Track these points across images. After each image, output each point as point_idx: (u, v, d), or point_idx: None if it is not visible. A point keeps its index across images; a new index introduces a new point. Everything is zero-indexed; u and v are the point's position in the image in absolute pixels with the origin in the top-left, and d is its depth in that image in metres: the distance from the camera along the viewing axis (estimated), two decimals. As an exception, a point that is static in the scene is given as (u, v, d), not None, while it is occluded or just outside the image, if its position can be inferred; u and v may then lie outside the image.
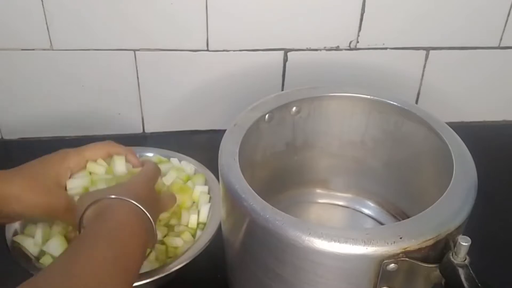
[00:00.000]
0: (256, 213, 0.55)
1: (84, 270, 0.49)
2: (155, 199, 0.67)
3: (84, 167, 0.73)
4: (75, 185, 0.71)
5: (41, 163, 0.68)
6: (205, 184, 0.83)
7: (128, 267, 0.54)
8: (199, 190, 0.81)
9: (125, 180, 0.69)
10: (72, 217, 0.63)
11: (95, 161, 0.74)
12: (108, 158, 0.76)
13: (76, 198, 0.68)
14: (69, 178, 0.72)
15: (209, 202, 0.80)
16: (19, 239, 0.72)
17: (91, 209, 0.60)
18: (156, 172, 0.73)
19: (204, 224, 0.78)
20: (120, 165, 0.75)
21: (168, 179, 0.81)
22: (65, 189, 0.70)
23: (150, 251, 0.64)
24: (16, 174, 0.65)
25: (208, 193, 0.82)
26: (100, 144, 0.75)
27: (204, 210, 0.79)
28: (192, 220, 0.77)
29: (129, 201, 0.60)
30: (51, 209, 0.66)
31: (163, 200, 0.72)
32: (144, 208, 0.60)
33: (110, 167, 0.75)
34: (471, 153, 0.64)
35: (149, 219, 0.60)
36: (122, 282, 0.52)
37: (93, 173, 0.74)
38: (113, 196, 0.60)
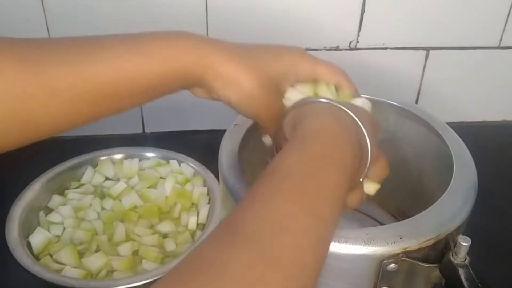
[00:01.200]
0: (256, 213, 0.54)
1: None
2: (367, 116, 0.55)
3: (310, 82, 0.58)
4: (294, 97, 0.57)
5: (274, 56, 0.58)
6: (204, 185, 0.83)
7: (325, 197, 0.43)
8: (198, 192, 0.81)
9: None
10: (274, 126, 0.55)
11: (325, 84, 0.58)
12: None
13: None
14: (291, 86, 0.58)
15: (209, 203, 0.81)
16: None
17: (291, 115, 0.52)
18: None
19: (204, 225, 0.78)
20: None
21: (167, 186, 0.81)
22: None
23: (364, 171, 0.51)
24: (244, 59, 0.56)
25: (208, 194, 0.82)
26: (336, 69, 0.60)
27: (204, 212, 0.79)
28: (192, 222, 0.77)
29: (339, 106, 0.50)
30: (264, 110, 0.55)
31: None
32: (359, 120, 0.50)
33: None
34: (471, 153, 0.64)
35: (364, 133, 0.50)
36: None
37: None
38: (322, 100, 0.52)
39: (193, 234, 0.77)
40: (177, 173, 0.85)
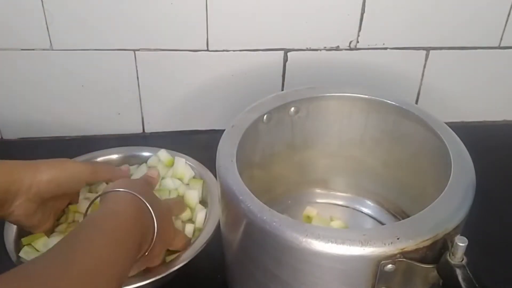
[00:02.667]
0: (254, 214, 0.55)
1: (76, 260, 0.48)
2: (161, 204, 0.67)
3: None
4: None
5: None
6: (202, 189, 0.83)
7: (117, 254, 0.53)
8: (195, 202, 0.81)
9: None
10: None
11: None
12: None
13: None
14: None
15: (206, 207, 0.80)
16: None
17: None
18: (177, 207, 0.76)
19: (200, 229, 0.78)
20: None
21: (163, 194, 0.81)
22: None
23: (148, 248, 0.62)
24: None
25: (205, 199, 0.82)
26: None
27: (200, 217, 0.78)
28: (188, 229, 0.77)
29: (133, 194, 0.61)
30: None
31: (172, 205, 0.73)
32: (147, 202, 0.61)
33: None
34: (471, 153, 0.64)
35: (150, 212, 0.61)
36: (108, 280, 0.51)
37: None
38: (119, 189, 0.61)
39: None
40: (175, 177, 0.84)
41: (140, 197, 0.61)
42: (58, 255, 0.48)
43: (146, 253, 0.62)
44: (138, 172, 0.83)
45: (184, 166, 0.84)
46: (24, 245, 0.73)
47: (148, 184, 0.74)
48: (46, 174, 0.67)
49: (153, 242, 0.62)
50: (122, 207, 0.59)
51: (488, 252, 0.73)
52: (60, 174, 0.69)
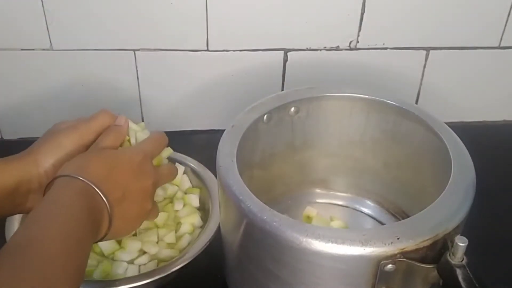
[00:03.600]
0: (254, 214, 0.55)
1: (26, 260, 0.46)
2: (128, 172, 0.62)
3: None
4: None
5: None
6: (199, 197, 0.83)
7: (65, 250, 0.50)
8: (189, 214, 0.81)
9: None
10: None
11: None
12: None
13: None
14: None
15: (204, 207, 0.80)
16: None
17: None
18: (156, 145, 0.70)
19: (201, 227, 0.78)
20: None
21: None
22: None
23: (105, 235, 0.59)
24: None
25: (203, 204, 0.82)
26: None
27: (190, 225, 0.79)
28: (183, 244, 0.76)
29: (82, 180, 0.57)
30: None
31: (160, 172, 0.68)
32: (101, 182, 0.58)
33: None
34: (471, 153, 0.64)
35: (102, 199, 0.57)
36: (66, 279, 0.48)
37: None
38: (65, 175, 0.57)
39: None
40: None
41: (91, 184, 0.57)
42: (9, 261, 0.46)
43: (107, 234, 0.59)
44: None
45: (181, 176, 0.83)
46: None
47: (115, 139, 0.68)
48: (48, 159, 0.64)
49: (111, 224, 0.58)
50: (67, 197, 0.55)
51: (488, 252, 0.73)
52: (60, 153, 0.65)
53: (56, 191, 0.56)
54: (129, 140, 0.70)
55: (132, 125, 0.71)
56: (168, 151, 0.73)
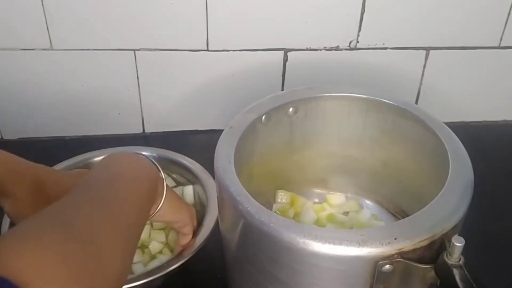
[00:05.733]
0: (251, 215, 0.55)
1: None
2: None
3: None
4: None
5: None
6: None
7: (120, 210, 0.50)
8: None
9: None
10: None
11: None
12: None
13: None
14: None
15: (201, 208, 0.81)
16: None
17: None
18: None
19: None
20: None
21: None
22: None
23: (159, 207, 0.63)
24: None
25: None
26: None
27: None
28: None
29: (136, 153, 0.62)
30: None
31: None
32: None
33: None
34: (470, 153, 0.64)
35: (157, 169, 0.62)
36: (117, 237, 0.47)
37: None
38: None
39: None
40: None
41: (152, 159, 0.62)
42: (99, 207, 0.47)
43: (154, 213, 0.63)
44: None
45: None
46: None
47: None
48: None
49: (161, 203, 0.63)
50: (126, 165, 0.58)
51: (486, 252, 0.73)
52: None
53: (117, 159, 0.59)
54: None
55: None
56: None
